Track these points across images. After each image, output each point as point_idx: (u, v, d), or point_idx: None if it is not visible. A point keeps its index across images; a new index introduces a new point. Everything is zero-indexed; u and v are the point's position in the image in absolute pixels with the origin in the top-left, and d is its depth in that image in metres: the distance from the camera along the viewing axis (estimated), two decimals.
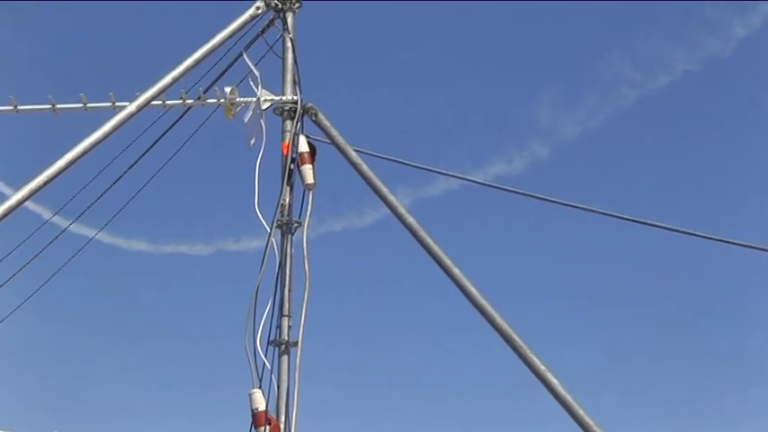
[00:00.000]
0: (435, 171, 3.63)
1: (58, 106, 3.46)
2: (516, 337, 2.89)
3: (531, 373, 2.82)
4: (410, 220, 3.17)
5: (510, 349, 2.91)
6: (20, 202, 3.13)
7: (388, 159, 3.40)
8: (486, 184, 3.62)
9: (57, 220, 4.05)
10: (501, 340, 2.92)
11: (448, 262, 3.08)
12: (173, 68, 3.44)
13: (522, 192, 3.44)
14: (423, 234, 3.15)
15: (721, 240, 3.15)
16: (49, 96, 3.44)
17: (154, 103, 3.41)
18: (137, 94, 3.40)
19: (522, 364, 2.86)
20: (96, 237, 4.20)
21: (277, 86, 3.60)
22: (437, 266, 3.11)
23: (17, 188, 3.15)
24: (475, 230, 10.84)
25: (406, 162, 3.50)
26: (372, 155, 3.37)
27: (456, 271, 3.05)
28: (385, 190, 3.26)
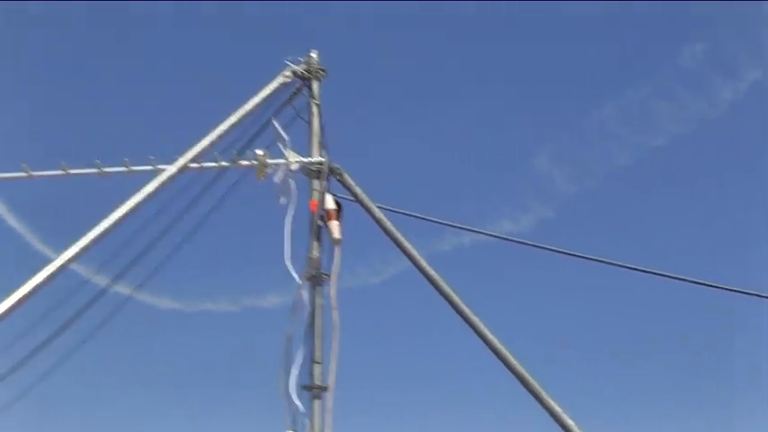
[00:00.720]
0: (460, 227, 3.89)
1: (105, 170, 3.72)
2: (533, 381, 3.13)
3: (549, 415, 3.05)
4: (431, 272, 3.44)
5: (528, 393, 3.14)
6: (69, 261, 3.35)
7: (412, 216, 3.69)
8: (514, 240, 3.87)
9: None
10: (519, 385, 3.15)
11: (467, 311, 3.33)
12: (209, 132, 3.75)
13: (537, 245, 3.71)
14: (443, 285, 3.41)
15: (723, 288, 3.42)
16: (97, 161, 3.71)
17: (191, 165, 3.69)
18: (175, 157, 3.69)
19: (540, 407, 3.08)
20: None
21: (305, 147, 3.90)
22: (457, 316, 3.36)
23: (56, 248, 3.39)
24: (489, 284, 11.25)
25: (433, 219, 3.77)
26: (395, 211, 3.66)
27: (475, 319, 3.30)
28: (407, 245, 3.53)
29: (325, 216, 3.65)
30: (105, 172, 3.73)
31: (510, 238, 3.85)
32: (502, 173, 11.87)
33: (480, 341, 3.33)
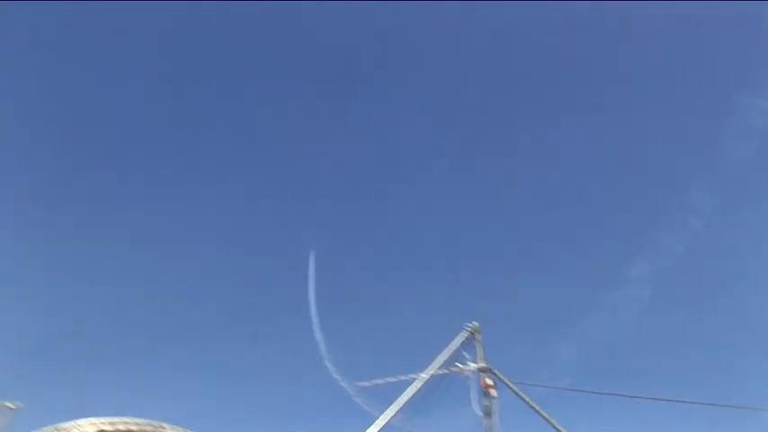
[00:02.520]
0: (547, 386, 9.41)
1: (400, 378, 9.75)
2: None
3: None
4: (535, 405, 8.88)
5: None
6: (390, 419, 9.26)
7: (542, 386, 9.27)
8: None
9: None
10: None
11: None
12: (439, 354, 9.70)
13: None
14: (544, 414, 8.83)
15: None
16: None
17: (435, 372, 9.60)
18: (421, 374, 9.66)
19: None
20: None
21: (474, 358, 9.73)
22: None
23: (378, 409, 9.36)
24: None
25: (540, 384, 9.34)
26: (529, 384, 9.25)
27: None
28: (541, 411, 9.05)
29: (488, 387, 9.33)
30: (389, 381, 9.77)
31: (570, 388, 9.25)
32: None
33: None
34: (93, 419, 17.31)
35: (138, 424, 17.43)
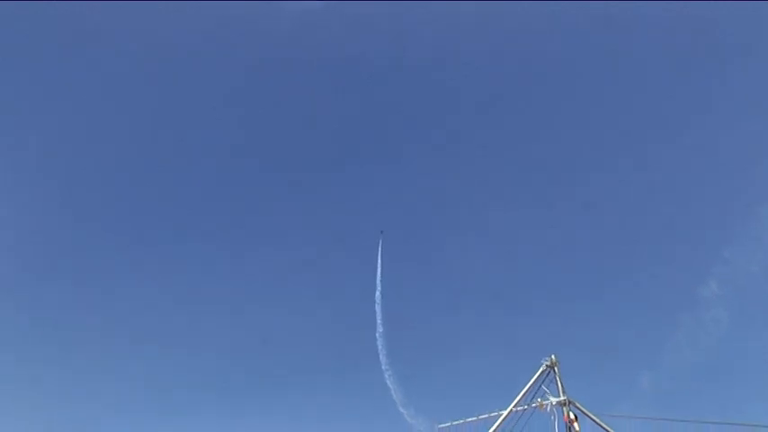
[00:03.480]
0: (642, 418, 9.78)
1: (481, 417, 10.03)
2: None
3: None
4: None
5: None
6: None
7: (625, 417, 9.61)
8: None
9: None
10: None
11: None
12: (519, 393, 9.94)
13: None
14: None
15: None
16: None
17: (514, 408, 9.89)
18: (502, 411, 9.96)
19: None
20: None
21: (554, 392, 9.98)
22: None
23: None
24: None
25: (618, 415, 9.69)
26: (612, 416, 9.60)
27: None
28: (603, 425, 9.45)
29: (571, 421, 9.70)
30: (480, 419, 10.07)
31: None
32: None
33: None
34: None
35: None
